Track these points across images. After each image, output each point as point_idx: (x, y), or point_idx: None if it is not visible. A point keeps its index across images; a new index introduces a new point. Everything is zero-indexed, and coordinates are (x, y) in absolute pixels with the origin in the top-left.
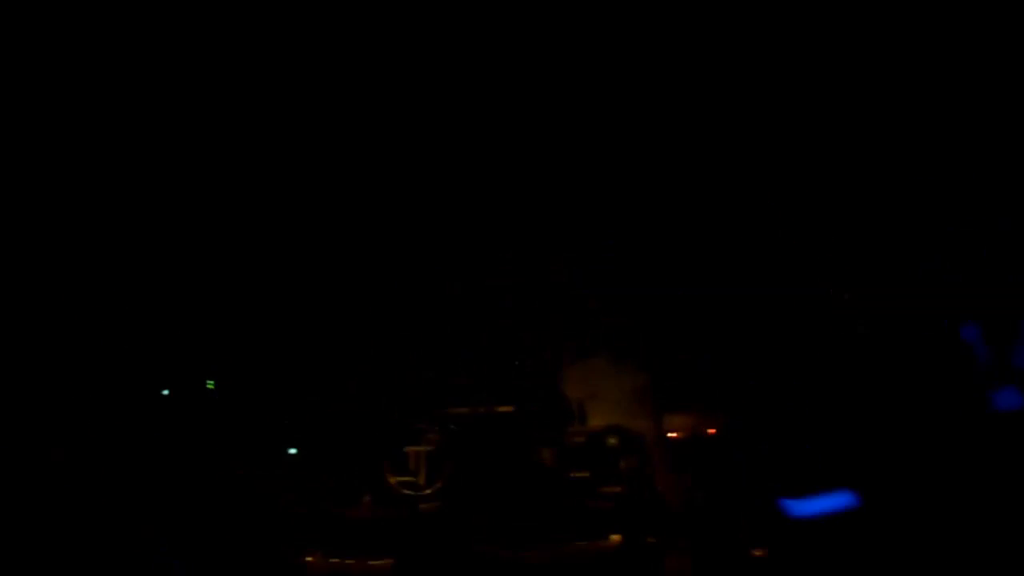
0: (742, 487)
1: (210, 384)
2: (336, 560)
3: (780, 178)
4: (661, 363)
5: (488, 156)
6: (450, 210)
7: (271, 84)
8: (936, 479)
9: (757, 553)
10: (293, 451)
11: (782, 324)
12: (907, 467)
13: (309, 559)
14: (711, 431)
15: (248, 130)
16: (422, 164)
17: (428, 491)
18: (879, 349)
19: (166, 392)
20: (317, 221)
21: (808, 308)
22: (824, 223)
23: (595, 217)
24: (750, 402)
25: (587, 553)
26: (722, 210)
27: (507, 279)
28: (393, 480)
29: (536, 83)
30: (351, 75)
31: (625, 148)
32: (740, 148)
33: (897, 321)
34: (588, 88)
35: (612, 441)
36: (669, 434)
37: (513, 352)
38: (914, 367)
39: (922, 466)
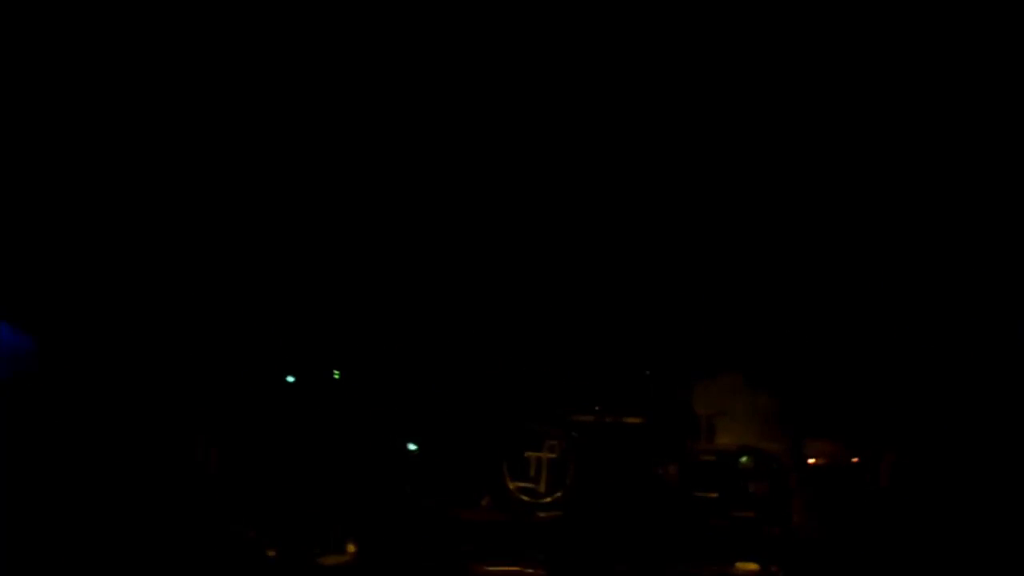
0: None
1: (336, 374)
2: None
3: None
4: (798, 383)
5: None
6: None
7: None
8: None
9: None
10: (413, 447)
11: (946, 350)
12: None
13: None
14: (855, 460)
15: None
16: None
17: (548, 499)
18: None
19: (291, 379)
20: (436, 216)
21: (982, 337)
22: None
23: (738, 234)
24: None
25: None
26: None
27: (641, 286)
28: (512, 485)
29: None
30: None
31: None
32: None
33: None
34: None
35: (745, 461)
36: (809, 460)
37: (643, 362)
38: None
39: None
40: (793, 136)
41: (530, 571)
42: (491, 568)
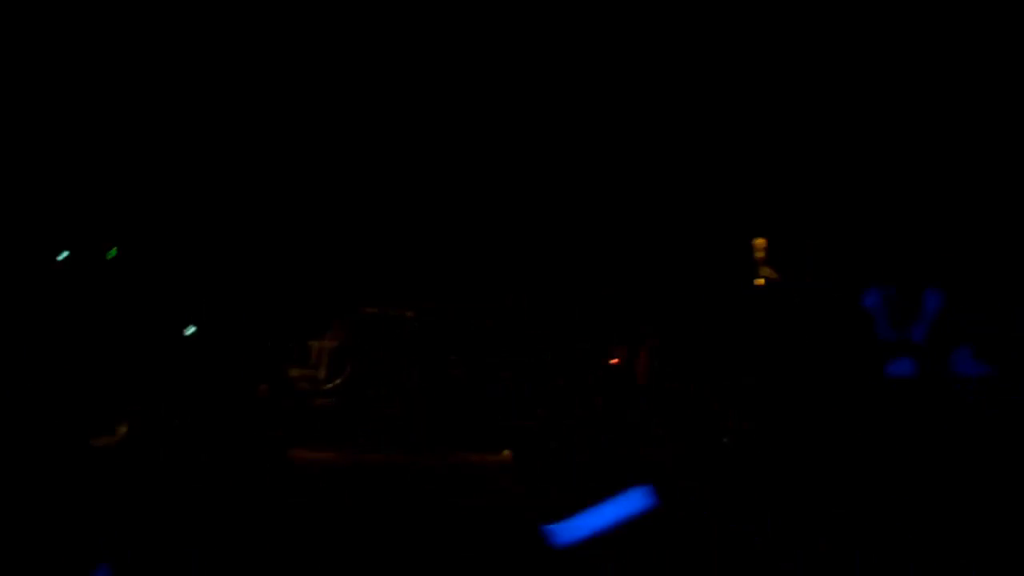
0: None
1: (111, 252)
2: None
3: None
4: (568, 286)
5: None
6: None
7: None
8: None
9: None
10: (192, 329)
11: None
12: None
13: None
14: (614, 361)
15: None
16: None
17: (327, 387)
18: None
19: (63, 255)
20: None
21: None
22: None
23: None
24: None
25: (478, 465)
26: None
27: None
28: (293, 372)
29: None
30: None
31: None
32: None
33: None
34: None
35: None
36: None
37: (428, 259)
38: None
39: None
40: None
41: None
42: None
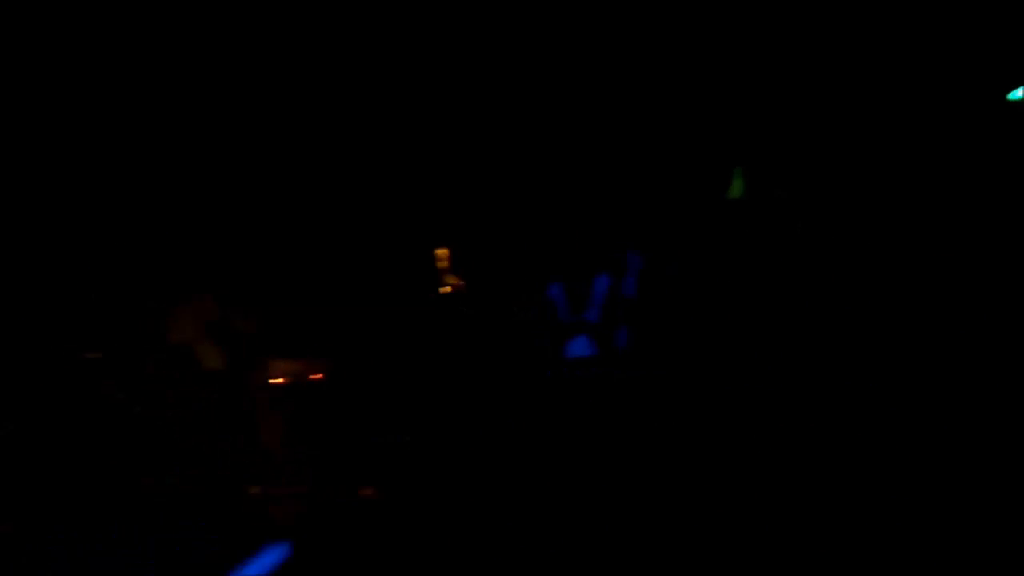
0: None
1: None
2: None
3: None
4: (271, 307)
5: None
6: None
7: None
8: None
9: (366, 492)
10: None
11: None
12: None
13: None
14: (316, 376)
15: None
16: None
17: None
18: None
19: None
20: None
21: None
22: None
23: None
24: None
25: (181, 497)
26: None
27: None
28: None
29: None
30: None
31: None
32: None
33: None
34: None
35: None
36: (271, 380)
37: (111, 291)
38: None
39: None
40: None
41: None
42: None
